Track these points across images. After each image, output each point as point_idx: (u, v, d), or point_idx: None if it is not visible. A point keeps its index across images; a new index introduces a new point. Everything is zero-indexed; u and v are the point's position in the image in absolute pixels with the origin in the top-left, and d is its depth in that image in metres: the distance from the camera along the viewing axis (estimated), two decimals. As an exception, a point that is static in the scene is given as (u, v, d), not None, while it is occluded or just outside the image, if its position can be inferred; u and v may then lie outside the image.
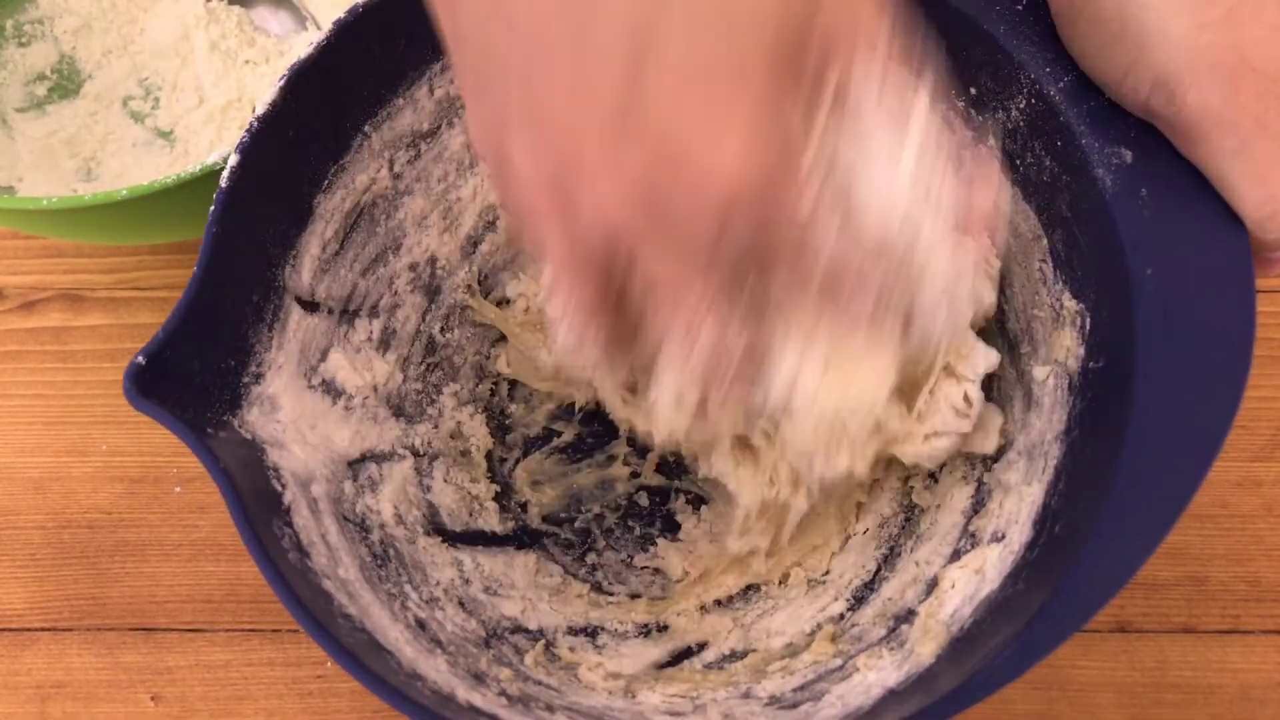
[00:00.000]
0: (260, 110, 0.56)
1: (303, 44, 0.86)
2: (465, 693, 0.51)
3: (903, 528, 0.67)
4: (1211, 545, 0.73)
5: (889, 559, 0.65)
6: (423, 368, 0.71)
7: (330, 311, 0.63)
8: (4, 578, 0.75)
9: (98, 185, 0.85)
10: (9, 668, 0.72)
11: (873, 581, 0.65)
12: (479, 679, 0.55)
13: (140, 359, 0.49)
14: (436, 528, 0.67)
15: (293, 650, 0.72)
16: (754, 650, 0.64)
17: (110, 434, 0.79)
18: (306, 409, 0.59)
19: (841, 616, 0.64)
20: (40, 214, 0.68)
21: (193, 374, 0.52)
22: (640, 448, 0.73)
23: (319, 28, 0.88)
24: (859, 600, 0.64)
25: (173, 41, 0.89)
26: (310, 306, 0.61)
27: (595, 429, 0.75)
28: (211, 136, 0.85)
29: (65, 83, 0.89)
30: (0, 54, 0.88)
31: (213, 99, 0.86)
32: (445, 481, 0.70)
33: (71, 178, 0.85)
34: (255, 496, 0.50)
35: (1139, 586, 0.72)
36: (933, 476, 0.67)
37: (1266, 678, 0.70)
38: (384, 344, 0.68)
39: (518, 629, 0.64)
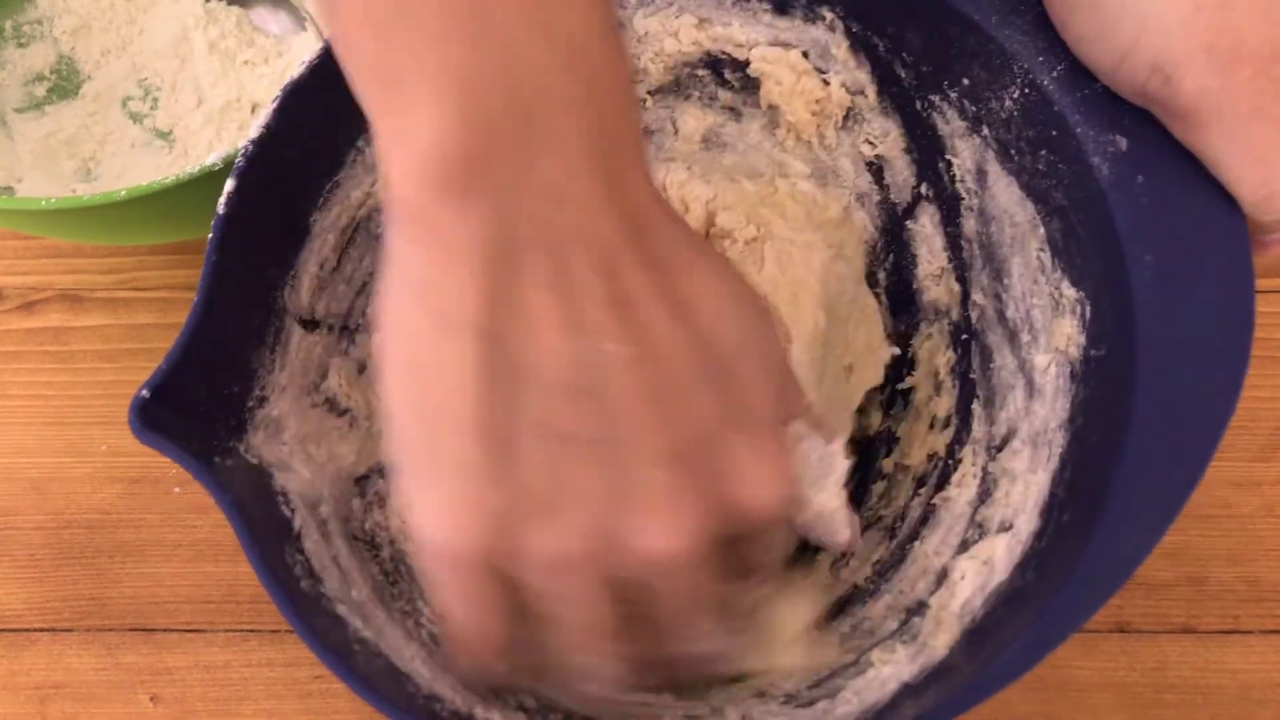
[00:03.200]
0: (255, 133, 0.56)
1: (301, 45, 0.87)
2: (484, 711, 0.51)
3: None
4: (1211, 545, 0.73)
5: (898, 550, 0.65)
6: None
7: (330, 329, 0.63)
8: (3, 578, 0.75)
9: (97, 186, 0.85)
10: (8, 668, 0.72)
11: (884, 572, 0.64)
12: (495, 692, 0.54)
13: (144, 392, 0.49)
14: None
15: (292, 650, 0.72)
16: None
17: (110, 434, 0.79)
18: (311, 427, 0.59)
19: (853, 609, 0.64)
20: (39, 214, 0.68)
21: (197, 403, 0.52)
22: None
23: (318, 28, 0.88)
24: (870, 593, 0.64)
25: (171, 42, 0.89)
26: (310, 325, 0.61)
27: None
28: (211, 137, 0.85)
29: (64, 83, 0.90)
30: (-1, 54, 0.89)
31: (212, 99, 0.86)
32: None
33: (71, 178, 0.85)
34: (266, 525, 0.50)
35: (1138, 586, 0.72)
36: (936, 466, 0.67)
37: (1266, 678, 0.70)
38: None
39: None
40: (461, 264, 0.39)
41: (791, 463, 0.49)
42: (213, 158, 0.67)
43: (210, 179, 0.67)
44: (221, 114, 0.86)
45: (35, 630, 0.73)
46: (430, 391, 0.41)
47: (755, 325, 0.45)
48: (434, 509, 0.42)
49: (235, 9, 0.90)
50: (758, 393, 0.44)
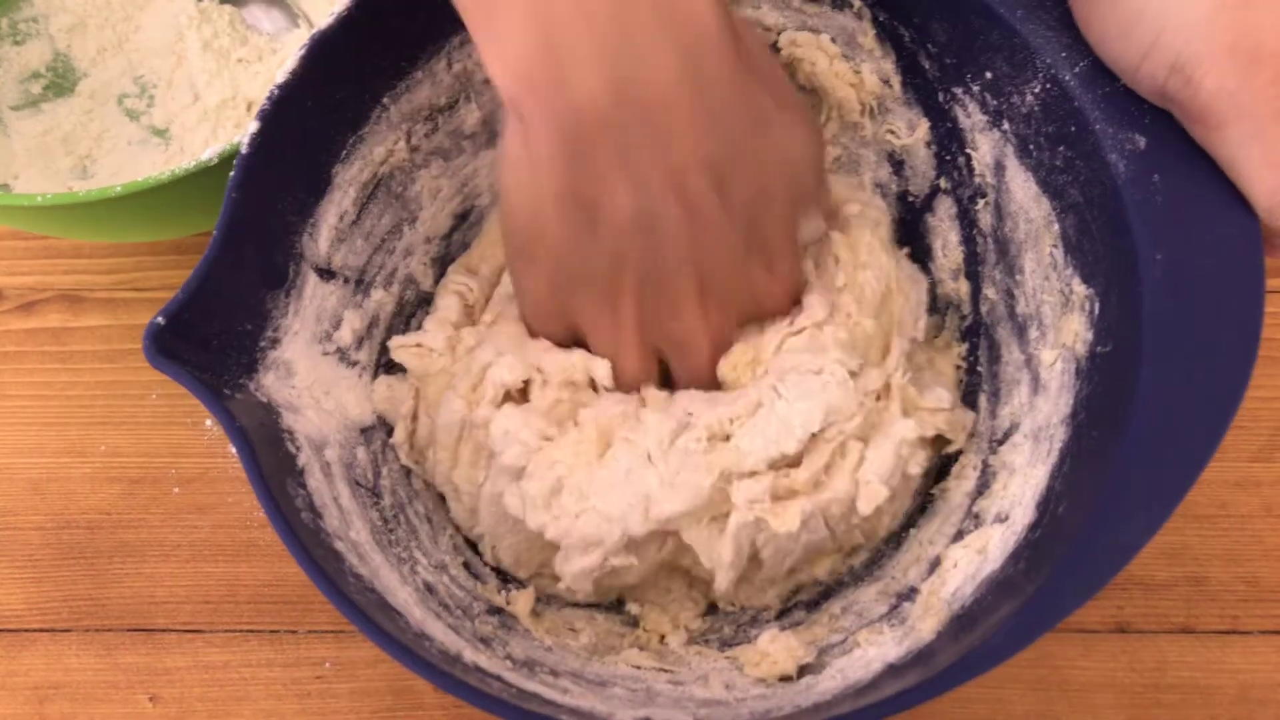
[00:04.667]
0: (281, 78, 0.56)
1: (294, 42, 0.87)
2: (471, 654, 0.52)
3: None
4: (1210, 546, 0.73)
5: (893, 538, 0.66)
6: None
7: (346, 280, 0.63)
8: (3, 578, 0.75)
9: (93, 183, 0.85)
10: (7, 668, 0.72)
11: (878, 559, 0.65)
12: (485, 642, 0.55)
13: (160, 319, 0.49)
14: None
15: (291, 651, 0.72)
16: None
17: (109, 435, 0.78)
18: (321, 375, 0.60)
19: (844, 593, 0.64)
20: (36, 210, 0.68)
21: (211, 336, 0.52)
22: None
23: (311, 25, 0.88)
24: (862, 578, 0.64)
25: (167, 40, 0.89)
26: (327, 275, 0.61)
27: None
28: (207, 134, 0.85)
29: (60, 81, 0.89)
30: (-5, 52, 0.88)
31: (207, 97, 0.86)
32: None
33: (67, 175, 0.85)
34: (270, 457, 0.51)
35: (1138, 587, 0.72)
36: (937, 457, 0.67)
37: (1265, 678, 0.70)
38: (398, 314, 0.68)
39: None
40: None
41: (801, 262, 0.63)
42: (209, 154, 0.67)
43: (206, 175, 0.67)
44: (217, 111, 0.86)
45: (34, 630, 0.73)
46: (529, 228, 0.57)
47: (786, 164, 0.57)
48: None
49: (228, 7, 0.89)
50: (776, 232, 0.59)
